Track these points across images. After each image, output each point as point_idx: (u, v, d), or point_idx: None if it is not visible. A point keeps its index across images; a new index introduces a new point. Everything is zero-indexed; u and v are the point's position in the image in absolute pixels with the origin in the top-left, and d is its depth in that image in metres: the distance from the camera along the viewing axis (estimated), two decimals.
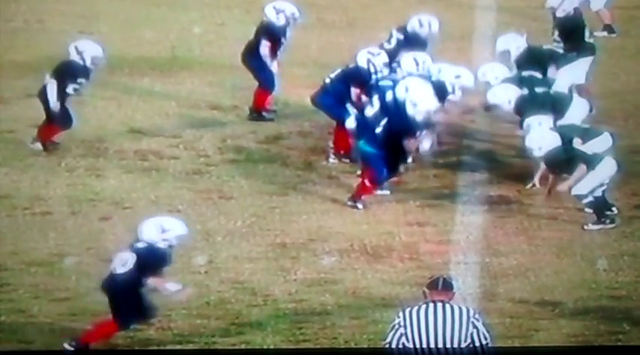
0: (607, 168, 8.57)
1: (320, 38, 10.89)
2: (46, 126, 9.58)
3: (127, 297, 7.07)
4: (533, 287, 7.78)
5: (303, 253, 8.46)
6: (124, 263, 7.11)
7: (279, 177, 9.65)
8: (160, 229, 7.16)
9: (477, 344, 6.02)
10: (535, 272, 7.91)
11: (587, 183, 8.54)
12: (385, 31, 10.44)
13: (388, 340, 6.15)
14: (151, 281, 7.08)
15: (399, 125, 8.85)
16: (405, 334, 6.08)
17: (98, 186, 9.44)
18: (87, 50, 9.46)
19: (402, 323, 6.11)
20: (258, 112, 10.50)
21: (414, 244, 8.49)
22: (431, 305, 6.12)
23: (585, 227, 8.50)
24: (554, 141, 8.67)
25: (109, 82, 11.30)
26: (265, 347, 7.30)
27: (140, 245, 7.18)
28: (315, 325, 7.54)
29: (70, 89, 9.42)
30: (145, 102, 11.02)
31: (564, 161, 8.57)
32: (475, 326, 6.05)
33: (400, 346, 6.08)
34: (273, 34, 10.26)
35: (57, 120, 9.48)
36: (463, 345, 6.02)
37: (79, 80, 9.43)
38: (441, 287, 6.17)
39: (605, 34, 11.71)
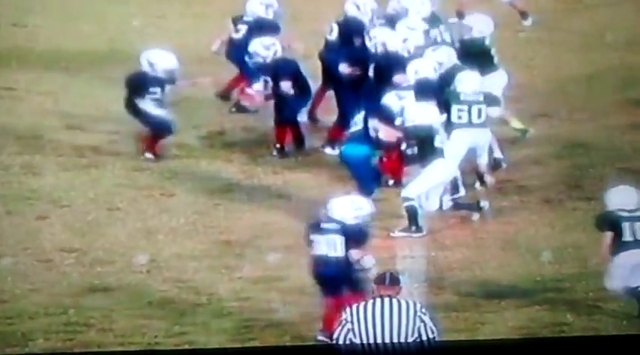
0: (440, 172, 8.51)
1: None
2: (149, 138, 9.60)
3: (344, 279, 7.22)
4: (479, 281, 7.93)
5: (248, 250, 8.52)
6: (334, 245, 7.28)
7: (223, 173, 9.68)
8: (354, 207, 7.37)
9: (424, 338, 6.13)
10: (480, 265, 8.05)
11: (417, 185, 8.54)
12: (329, 23, 10.51)
13: (335, 336, 6.24)
14: (354, 254, 7.25)
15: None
16: (353, 329, 6.18)
17: (35, 184, 9.39)
18: (158, 62, 9.52)
19: (349, 319, 6.21)
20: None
21: None
22: (378, 300, 6.23)
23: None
24: (427, 117, 8.60)
25: (45, 76, 11.20)
26: (210, 346, 7.32)
27: (333, 226, 7.33)
28: (262, 323, 7.59)
29: (147, 100, 9.45)
30: (83, 98, 10.96)
31: (420, 141, 8.48)
32: (422, 320, 6.17)
33: (347, 342, 6.17)
34: (269, 30, 10.32)
35: (157, 130, 9.51)
36: (410, 339, 6.12)
37: (152, 90, 9.49)
38: (388, 282, 6.29)
39: (529, 22, 11.91)
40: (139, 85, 9.56)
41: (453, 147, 8.74)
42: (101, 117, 10.60)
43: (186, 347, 7.32)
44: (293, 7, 10.96)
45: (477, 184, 9.04)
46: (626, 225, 7.57)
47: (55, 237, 8.62)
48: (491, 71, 9.60)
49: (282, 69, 9.72)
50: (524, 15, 12.06)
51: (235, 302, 7.83)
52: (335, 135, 9.74)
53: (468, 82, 9.10)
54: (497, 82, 9.57)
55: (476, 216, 8.63)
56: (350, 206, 7.43)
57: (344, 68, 9.69)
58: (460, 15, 11.95)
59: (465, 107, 8.90)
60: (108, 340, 7.43)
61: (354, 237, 7.28)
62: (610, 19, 12.64)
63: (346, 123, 9.35)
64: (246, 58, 9.81)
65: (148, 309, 7.75)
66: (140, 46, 12.07)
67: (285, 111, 9.82)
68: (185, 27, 11.36)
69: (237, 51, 10.40)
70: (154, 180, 9.52)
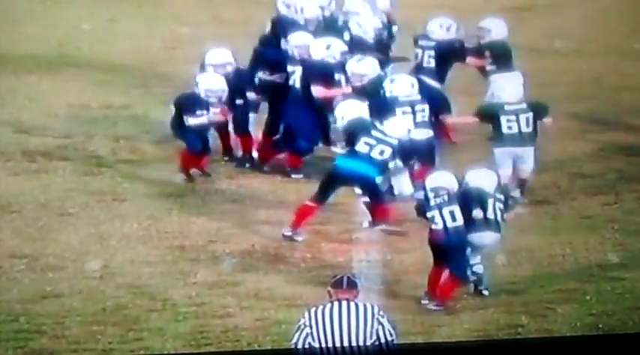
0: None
1: (216, 35, 10.94)
2: (195, 156, 9.55)
3: (460, 249, 7.64)
4: None
5: (202, 255, 8.53)
6: (457, 216, 7.70)
7: (176, 177, 9.67)
8: (492, 178, 8.00)
9: (383, 340, 6.20)
10: None
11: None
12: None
13: (294, 340, 6.29)
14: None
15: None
16: (311, 334, 6.23)
17: None
18: (201, 82, 9.45)
19: (307, 323, 6.26)
20: None
21: (317, 243, 8.64)
22: (336, 303, 6.29)
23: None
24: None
25: None
26: (166, 352, 7.34)
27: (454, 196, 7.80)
28: (217, 328, 7.62)
29: (193, 120, 9.38)
30: (31, 102, 10.89)
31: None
32: (380, 323, 6.24)
33: (306, 346, 6.22)
34: (293, 28, 10.30)
35: (202, 149, 9.51)
36: (369, 342, 6.18)
37: (198, 112, 9.42)
38: (345, 285, 6.35)
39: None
40: (186, 104, 9.45)
41: None
42: (51, 122, 10.53)
43: (142, 353, 7.32)
44: (245, 12, 10.97)
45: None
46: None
47: (4, 243, 8.55)
48: (511, 71, 9.93)
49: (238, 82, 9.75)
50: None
51: (190, 308, 7.83)
52: (265, 142, 9.79)
53: (508, 91, 9.24)
54: (517, 80, 9.82)
55: None
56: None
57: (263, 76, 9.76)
58: (391, 21, 12.03)
59: (513, 117, 9.08)
60: (61, 347, 7.40)
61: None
62: (559, 25, 12.90)
63: (273, 130, 9.53)
64: (209, 69, 9.76)
65: (102, 315, 7.73)
66: (90, 50, 12.03)
67: (235, 120, 9.86)
68: (136, 30, 11.30)
69: (271, 50, 10.14)
70: (106, 184, 9.48)
